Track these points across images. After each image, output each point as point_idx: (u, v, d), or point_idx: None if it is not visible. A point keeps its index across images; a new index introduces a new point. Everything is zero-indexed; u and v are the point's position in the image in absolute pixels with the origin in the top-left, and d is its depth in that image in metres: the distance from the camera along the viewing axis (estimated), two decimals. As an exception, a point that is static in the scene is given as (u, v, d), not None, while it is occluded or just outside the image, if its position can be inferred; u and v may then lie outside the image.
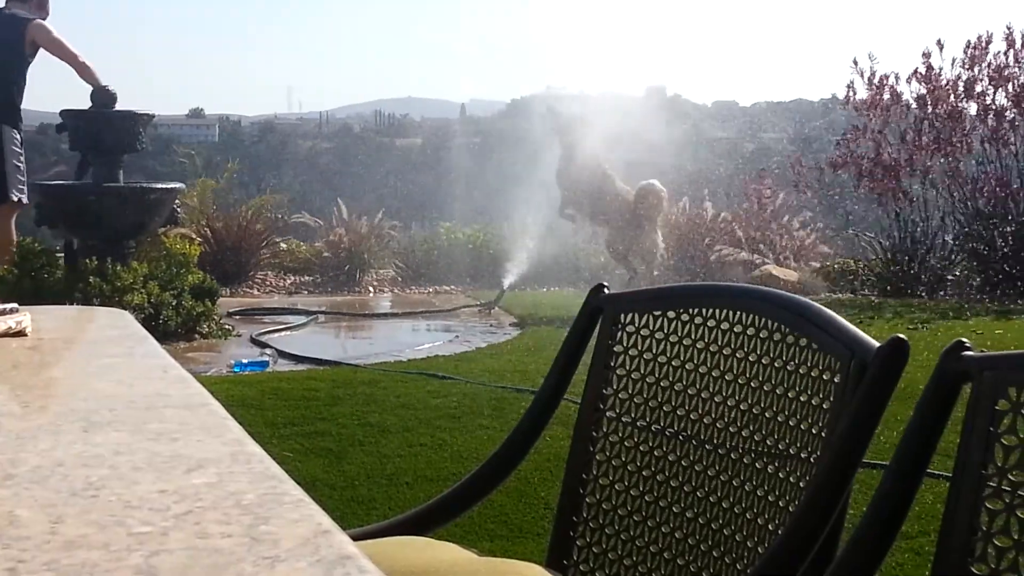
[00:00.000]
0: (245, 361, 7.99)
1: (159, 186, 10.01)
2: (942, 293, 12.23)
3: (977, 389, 1.50)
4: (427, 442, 5.68)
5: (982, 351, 1.53)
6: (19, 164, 9.49)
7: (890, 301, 11.60)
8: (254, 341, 9.13)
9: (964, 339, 1.53)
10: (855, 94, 13.58)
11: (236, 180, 16.95)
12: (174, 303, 8.98)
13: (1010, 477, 1.44)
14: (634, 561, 2.06)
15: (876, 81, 13.39)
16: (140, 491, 1.09)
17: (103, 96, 9.60)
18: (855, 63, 13.55)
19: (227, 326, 9.53)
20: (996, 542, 1.44)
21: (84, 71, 9.65)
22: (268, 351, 8.64)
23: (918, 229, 12.78)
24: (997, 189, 12.43)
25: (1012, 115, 12.72)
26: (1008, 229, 12.17)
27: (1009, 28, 12.89)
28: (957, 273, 12.61)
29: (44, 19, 9.73)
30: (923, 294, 12.09)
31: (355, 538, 1.11)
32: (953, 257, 12.74)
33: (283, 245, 14.95)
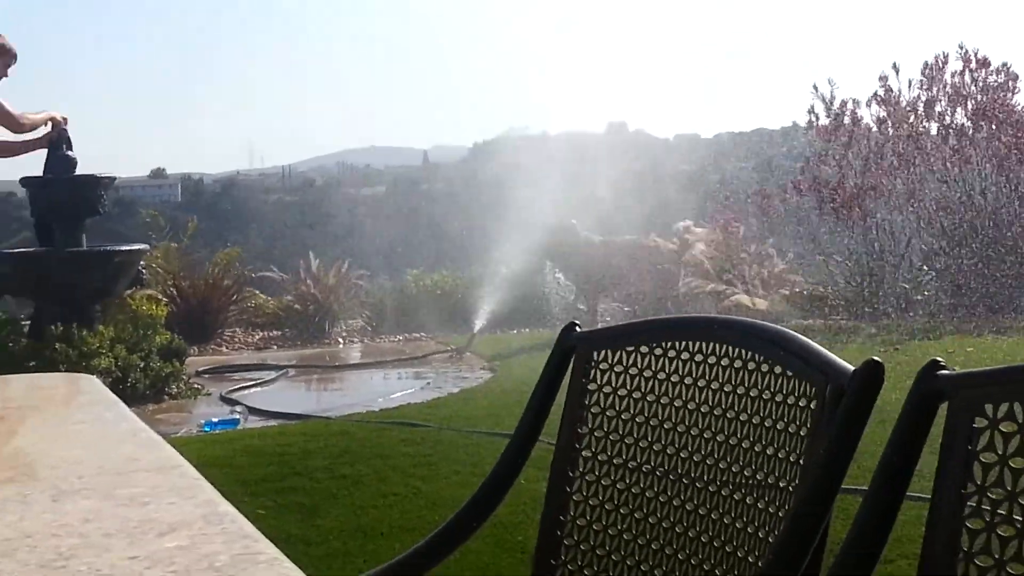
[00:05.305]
0: (215, 420, 7.95)
1: (123, 248, 9.95)
2: (912, 314, 12.29)
3: (954, 408, 1.49)
4: (401, 491, 5.65)
5: (956, 370, 1.53)
6: None
7: (861, 324, 11.65)
8: (224, 399, 9.07)
9: (939, 358, 1.53)
10: (817, 119, 13.71)
11: (201, 240, 16.84)
12: (142, 365, 8.93)
13: (990, 495, 1.43)
14: (618, 601, 2.04)
15: (836, 107, 13.52)
16: (111, 558, 1.07)
17: (64, 161, 9.47)
18: (815, 88, 13.69)
19: (196, 385, 9.48)
20: (978, 562, 1.43)
21: (22, 129, 9.26)
22: (238, 408, 8.60)
23: (885, 252, 12.86)
24: (961, 208, 12.53)
25: (971, 132, 12.83)
26: (974, 247, 12.26)
27: (962, 48, 13.04)
28: (926, 293, 12.68)
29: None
30: (893, 316, 12.15)
31: (333, 594, 1.09)
32: (921, 278, 12.82)
33: (258, 297, 14.85)
